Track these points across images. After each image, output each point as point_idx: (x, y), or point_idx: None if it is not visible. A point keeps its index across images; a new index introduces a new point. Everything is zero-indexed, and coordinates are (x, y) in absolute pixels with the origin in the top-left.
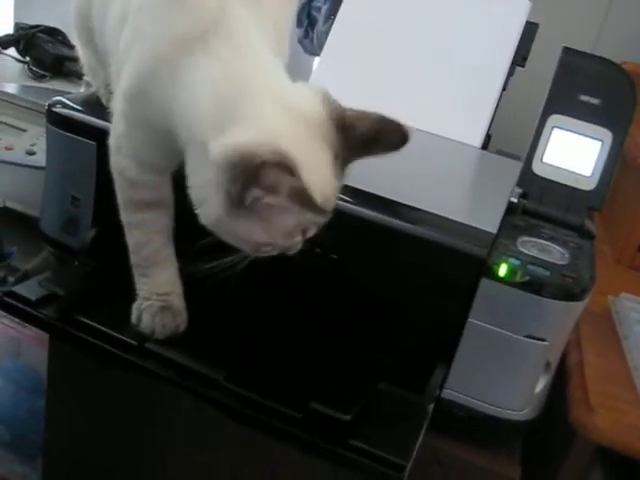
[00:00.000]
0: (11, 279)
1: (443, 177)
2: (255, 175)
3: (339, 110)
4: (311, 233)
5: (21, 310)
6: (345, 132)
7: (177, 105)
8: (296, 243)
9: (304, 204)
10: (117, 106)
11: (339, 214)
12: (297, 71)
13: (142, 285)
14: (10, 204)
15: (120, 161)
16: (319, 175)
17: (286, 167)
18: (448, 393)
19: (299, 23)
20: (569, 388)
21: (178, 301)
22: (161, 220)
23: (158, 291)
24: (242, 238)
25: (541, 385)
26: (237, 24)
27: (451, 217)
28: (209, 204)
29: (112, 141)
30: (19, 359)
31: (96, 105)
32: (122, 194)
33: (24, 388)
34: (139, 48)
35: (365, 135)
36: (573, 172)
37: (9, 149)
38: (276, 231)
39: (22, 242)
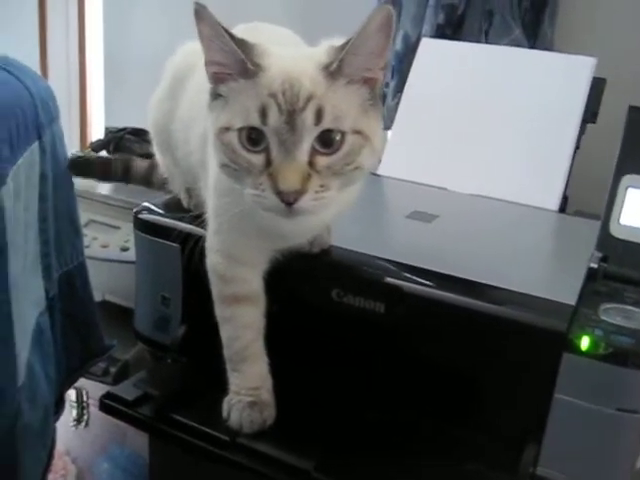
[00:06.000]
0: (112, 369)
1: (519, 248)
2: None
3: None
4: (273, 113)
5: (119, 411)
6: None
7: None
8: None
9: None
10: (209, 206)
11: (418, 298)
12: None
13: (233, 379)
14: (109, 297)
15: (212, 257)
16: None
17: None
18: (544, 472)
19: None
20: None
21: (267, 396)
22: (251, 315)
23: (248, 386)
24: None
25: None
26: None
27: (528, 292)
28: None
29: (207, 242)
30: (125, 445)
31: (179, 209)
32: (215, 290)
33: (130, 473)
34: None
35: None
36: None
37: (105, 247)
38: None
39: (122, 333)
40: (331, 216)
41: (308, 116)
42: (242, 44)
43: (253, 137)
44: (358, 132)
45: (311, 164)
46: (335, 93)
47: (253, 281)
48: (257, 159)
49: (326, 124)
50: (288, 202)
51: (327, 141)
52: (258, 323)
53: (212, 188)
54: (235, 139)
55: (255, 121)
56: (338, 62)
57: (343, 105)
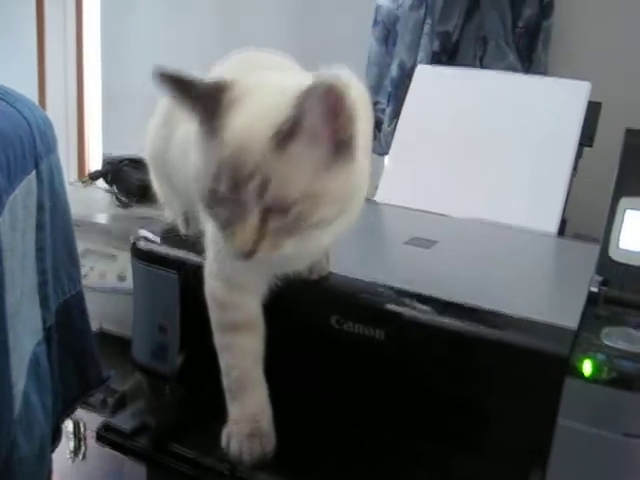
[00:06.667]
0: (110, 400)
1: (519, 272)
2: None
3: None
4: (224, 181)
5: (116, 442)
6: None
7: None
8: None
9: None
10: (207, 232)
11: (418, 325)
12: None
13: (233, 409)
14: (106, 327)
15: (211, 283)
16: None
17: None
18: None
19: None
20: None
21: (267, 426)
22: (250, 343)
23: (247, 416)
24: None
25: None
26: None
27: (529, 316)
28: None
29: (206, 268)
30: (123, 477)
31: (176, 236)
32: (213, 317)
33: None
34: None
35: None
36: None
37: (102, 276)
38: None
39: (119, 363)
40: (328, 241)
41: (252, 188)
42: (211, 99)
43: (213, 196)
44: (310, 196)
45: (263, 225)
46: (284, 160)
47: (252, 308)
48: (217, 215)
49: (269, 199)
50: (244, 257)
51: (277, 206)
52: (257, 351)
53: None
54: (200, 192)
55: (211, 184)
56: (289, 127)
57: (293, 172)
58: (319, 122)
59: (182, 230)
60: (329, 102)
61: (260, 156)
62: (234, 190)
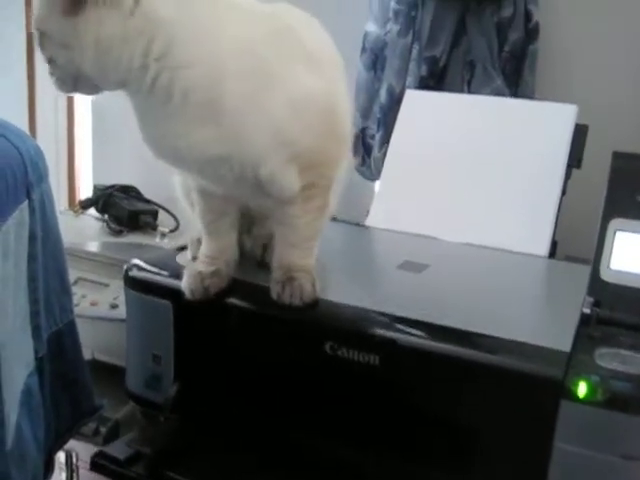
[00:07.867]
0: (103, 429)
1: (511, 295)
2: None
3: None
4: None
5: (111, 470)
6: None
7: None
8: None
9: None
10: None
11: (413, 350)
12: (358, 197)
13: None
14: (98, 356)
15: None
16: None
17: None
18: None
19: (355, 152)
20: None
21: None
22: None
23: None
24: None
25: None
26: None
27: (522, 340)
28: None
29: None
30: None
31: (170, 265)
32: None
33: None
34: None
35: None
36: None
37: (94, 304)
38: None
39: (111, 391)
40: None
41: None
42: None
43: None
44: (43, 32)
45: None
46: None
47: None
48: None
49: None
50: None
51: None
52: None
53: None
54: None
55: None
56: None
57: (40, 11)
58: None
59: (190, 254)
60: None
61: None
62: None
